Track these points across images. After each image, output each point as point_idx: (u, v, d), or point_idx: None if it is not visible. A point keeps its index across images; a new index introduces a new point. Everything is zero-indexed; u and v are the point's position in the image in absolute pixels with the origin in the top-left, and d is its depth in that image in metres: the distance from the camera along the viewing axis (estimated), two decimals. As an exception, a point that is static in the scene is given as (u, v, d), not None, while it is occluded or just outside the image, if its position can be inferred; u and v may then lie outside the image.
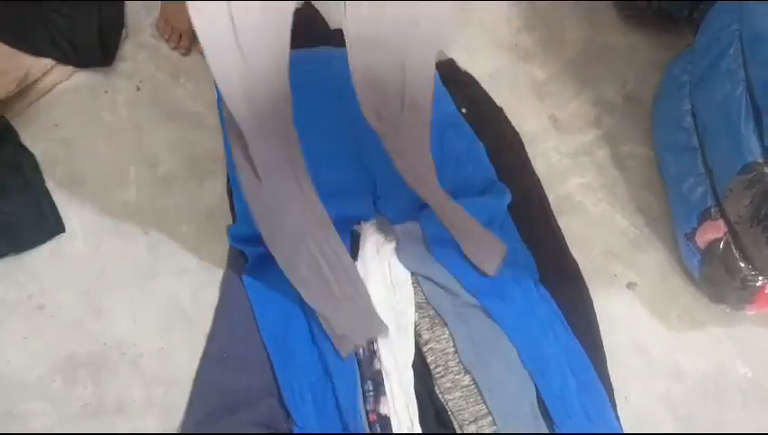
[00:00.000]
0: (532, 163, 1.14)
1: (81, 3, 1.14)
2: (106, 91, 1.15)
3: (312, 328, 0.95)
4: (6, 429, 0.90)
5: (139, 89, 1.16)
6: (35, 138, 1.09)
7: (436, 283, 0.99)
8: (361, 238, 1.03)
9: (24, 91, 1.11)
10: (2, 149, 1.06)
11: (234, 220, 1.05)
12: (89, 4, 1.15)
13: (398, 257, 1.01)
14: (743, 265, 0.93)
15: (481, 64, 1.24)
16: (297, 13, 1.24)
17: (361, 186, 1.08)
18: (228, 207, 1.07)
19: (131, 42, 1.20)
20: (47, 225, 1.03)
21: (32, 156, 1.08)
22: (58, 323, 0.98)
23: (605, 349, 0.99)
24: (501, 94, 1.20)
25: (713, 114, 0.94)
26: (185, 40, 1.19)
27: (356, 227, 1.04)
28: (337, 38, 1.24)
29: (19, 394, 0.93)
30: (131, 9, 1.22)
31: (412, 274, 1.01)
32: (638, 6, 1.23)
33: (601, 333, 1.00)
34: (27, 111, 1.11)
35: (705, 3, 1.13)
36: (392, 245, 1.02)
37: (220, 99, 1.10)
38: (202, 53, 1.18)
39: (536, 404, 0.91)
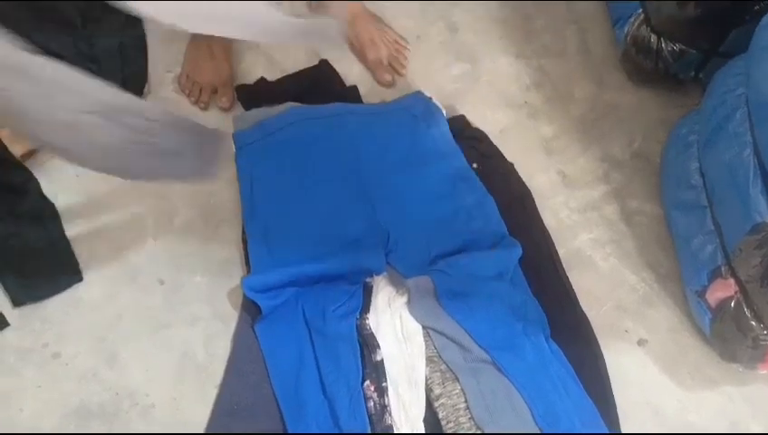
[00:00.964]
0: (542, 218, 1.16)
1: (105, 59, 1.18)
2: (127, 143, 1.18)
3: (324, 381, 0.95)
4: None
5: (158, 141, 1.19)
6: (56, 188, 1.12)
7: (447, 337, 1.00)
8: (374, 291, 1.04)
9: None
10: (23, 199, 1.08)
11: (248, 271, 1.06)
12: (113, 59, 1.19)
13: (410, 311, 1.01)
14: (754, 323, 0.93)
15: (491, 121, 1.27)
16: (315, 70, 1.30)
17: (374, 239, 1.10)
18: (243, 258, 1.08)
19: (153, 96, 1.24)
20: (65, 274, 1.04)
21: (52, 206, 1.10)
22: (72, 372, 0.98)
23: (617, 406, 0.98)
24: (510, 150, 1.22)
25: (721, 175, 0.96)
26: (204, 95, 1.23)
27: (368, 280, 1.05)
28: (353, 95, 1.28)
29: (31, 444, 0.93)
30: (153, 64, 1.26)
31: (423, 327, 1.01)
32: (644, 67, 1.26)
33: (613, 389, 0.99)
34: (49, 163, 1.14)
35: (711, 65, 1.16)
36: (404, 298, 1.03)
37: (237, 151, 1.13)
38: (220, 108, 1.23)
39: None
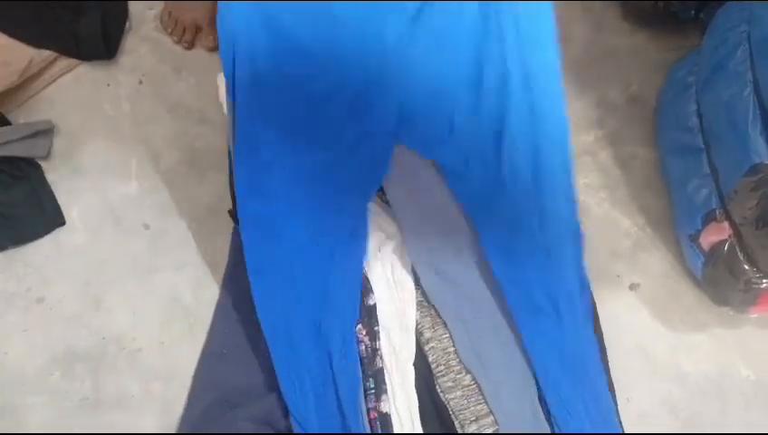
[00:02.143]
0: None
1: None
2: (108, 85, 1.14)
3: (320, 323, 0.94)
4: (4, 421, 0.90)
5: (141, 82, 1.16)
6: (36, 130, 1.09)
7: (437, 273, 0.98)
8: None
9: (26, 83, 1.10)
10: (2, 141, 1.05)
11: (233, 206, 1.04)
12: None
13: (407, 251, 0.99)
14: (747, 267, 0.92)
15: (485, 63, 1.23)
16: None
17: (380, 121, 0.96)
18: (230, 201, 1.06)
19: (134, 35, 1.19)
20: (47, 217, 1.02)
21: (32, 148, 1.07)
22: (57, 317, 0.97)
23: (607, 350, 0.98)
24: (505, 93, 1.19)
25: (719, 115, 0.94)
26: (188, 34, 1.19)
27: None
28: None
29: (17, 387, 0.93)
30: (134, 2, 1.21)
31: (414, 273, 1.00)
32: (643, 7, 1.22)
33: (604, 334, 0.99)
34: (28, 103, 1.11)
35: (713, 3, 1.12)
36: (393, 243, 1.02)
37: (228, 93, 1.08)
38: (205, 48, 1.19)
39: (537, 403, 0.91)
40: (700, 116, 1.01)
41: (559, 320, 0.93)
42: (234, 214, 0.99)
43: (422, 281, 0.99)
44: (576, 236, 0.95)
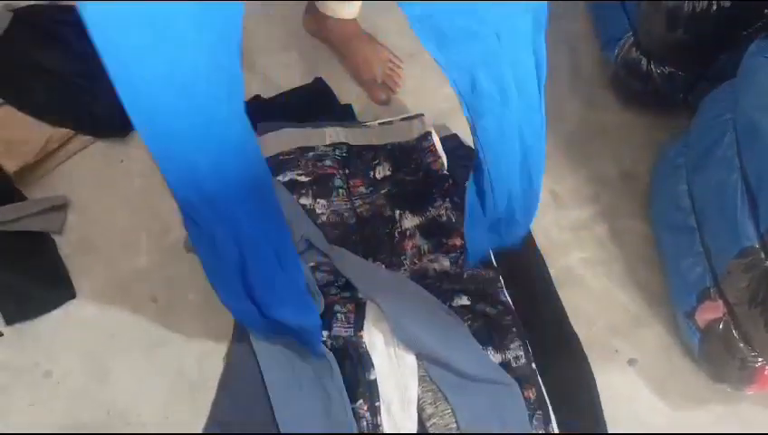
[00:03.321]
0: (534, 236, 1.17)
1: (101, 75, 1.19)
2: (122, 161, 1.18)
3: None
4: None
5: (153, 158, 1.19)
6: (50, 204, 1.12)
7: (434, 359, 1.00)
8: (366, 308, 1.04)
9: (43, 159, 1.14)
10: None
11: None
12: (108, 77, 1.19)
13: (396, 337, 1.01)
14: (742, 345, 0.94)
15: (484, 140, 1.28)
16: (309, 87, 1.31)
17: None
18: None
19: (148, 112, 1.24)
20: (59, 291, 1.04)
21: (45, 223, 1.10)
22: (64, 391, 0.98)
23: (606, 425, 0.99)
24: (503, 169, 1.23)
25: (709, 198, 0.98)
26: (199, 112, 1.23)
27: (361, 297, 1.05)
28: (347, 113, 1.29)
29: (22, 463, 0.93)
30: (148, 81, 1.26)
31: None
32: (634, 88, 1.28)
33: (603, 409, 1.00)
34: (44, 179, 1.14)
35: (700, 88, 1.18)
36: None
37: None
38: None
39: None
40: (691, 197, 1.04)
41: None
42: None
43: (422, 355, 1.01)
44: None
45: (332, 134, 1.20)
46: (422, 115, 1.24)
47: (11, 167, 1.08)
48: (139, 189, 1.16)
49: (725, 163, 0.94)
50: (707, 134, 1.00)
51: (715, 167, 0.96)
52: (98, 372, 1.00)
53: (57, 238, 1.10)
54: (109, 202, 1.14)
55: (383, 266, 1.09)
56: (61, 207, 1.11)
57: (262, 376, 0.98)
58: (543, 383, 1.00)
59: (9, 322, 1.02)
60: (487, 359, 1.00)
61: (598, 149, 1.30)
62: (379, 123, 1.25)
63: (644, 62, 1.22)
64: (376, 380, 0.98)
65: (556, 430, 0.96)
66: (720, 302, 0.96)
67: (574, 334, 1.07)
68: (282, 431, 0.94)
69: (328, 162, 1.16)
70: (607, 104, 1.36)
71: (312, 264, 1.06)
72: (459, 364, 0.98)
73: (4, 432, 0.94)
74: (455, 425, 0.95)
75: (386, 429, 0.94)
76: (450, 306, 1.05)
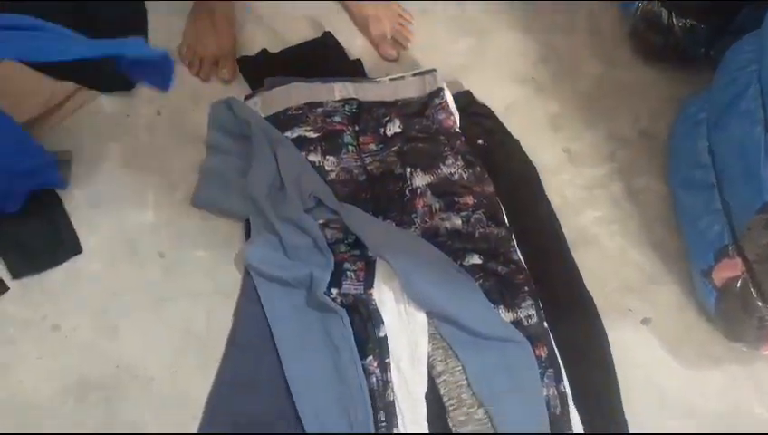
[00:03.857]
0: (548, 196, 1.15)
1: (104, 30, 1.16)
2: (127, 115, 1.16)
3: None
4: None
5: (159, 113, 1.18)
6: (56, 160, 1.11)
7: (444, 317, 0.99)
8: (376, 266, 1.03)
9: (48, 114, 1.12)
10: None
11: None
12: (112, 31, 1.17)
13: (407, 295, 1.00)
14: (760, 304, 0.92)
15: (497, 97, 1.25)
16: (318, 42, 1.28)
17: None
18: (244, 231, 1.07)
19: (153, 67, 1.22)
20: (65, 246, 1.03)
21: (52, 177, 1.09)
22: (71, 345, 0.98)
23: (619, 384, 0.98)
24: (516, 126, 1.21)
25: (731, 153, 0.95)
26: (206, 66, 1.21)
27: (371, 254, 1.03)
28: (357, 69, 1.26)
29: (30, 414, 0.93)
30: (154, 36, 1.24)
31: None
32: (653, 43, 1.24)
33: (616, 368, 0.99)
34: (49, 134, 1.13)
35: (722, 41, 1.14)
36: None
37: None
38: (221, 80, 1.21)
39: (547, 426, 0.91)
40: (712, 153, 1.02)
41: None
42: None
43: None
44: None
45: (342, 90, 1.17)
46: (434, 70, 1.21)
47: (20, 117, 1.06)
48: (145, 144, 1.15)
49: (749, 116, 0.91)
50: (730, 87, 0.97)
51: (737, 120, 0.93)
52: (106, 326, 1.00)
53: (62, 193, 1.08)
54: (115, 157, 1.13)
55: (393, 224, 1.07)
56: (66, 161, 1.09)
57: (271, 331, 0.98)
58: (555, 342, 0.99)
59: (15, 276, 1.01)
60: (497, 317, 0.99)
61: (615, 106, 1.27)
62: (390, 79, 1.22)
63: (665, 14, 1.18)
64: (386, 336, 0.97)
65: (567, 389, 0.95)
66: (738, 259, 0.94)
67: (587, 293, 1.05)
68: (290, 386, 0.93)
69: (337, 118, 1.14)
70: (625, 60, 1.32)
71: (321, 221, 1.05)
72: (469, 322, 0.97)
73: (12, 385, 0.94)
74: (465, 382, 0.95)
75: (395, 385, 0.94)
76: (461, 265, 1.03)
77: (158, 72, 1.02)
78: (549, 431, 0.91)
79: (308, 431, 0.90)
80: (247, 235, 1.06)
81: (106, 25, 1.16)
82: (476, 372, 0.95)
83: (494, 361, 0.96)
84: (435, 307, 0.98)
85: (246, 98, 1.17)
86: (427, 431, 0.91)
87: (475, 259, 1.04)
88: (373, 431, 0.90)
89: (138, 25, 1.23)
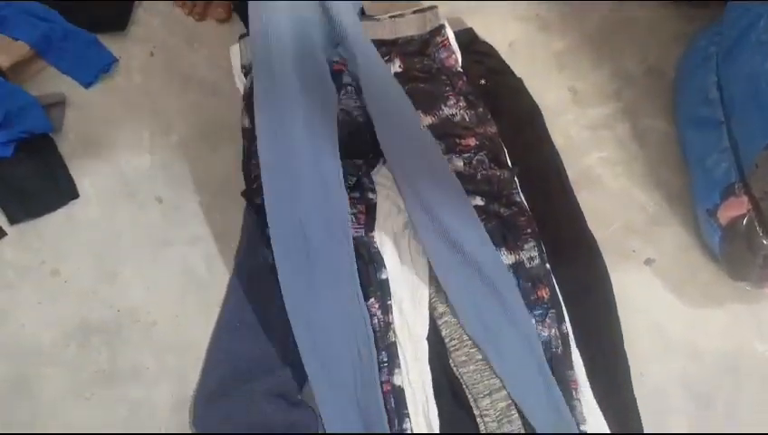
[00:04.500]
0: (552, 136, 1.12)
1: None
2: (120, 57, 1.13)
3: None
4: (20, 391, 0.91)
5: (152, 54, 1.15)
6: (48, 103, 1.08)
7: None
8: (377, 208, 1.01)
9: (37, 55, 1.09)
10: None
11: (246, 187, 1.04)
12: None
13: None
14: (765, 242, 0.91)
15: (500, 34, 1.21)
16: None
17: None
18: (242, 175, 1.06)
19: (145, 7, 1.18)
20: (61, 190, 1.02)
21: (45, 122, 1.07)
22: (72, 289, 0.98)
23: (622, 325, 0.98)
24: (520, 64, 1.17)
25: (741, 87, 0.92)
26: (199, 5, 1.17)
27: (371, 197, 1.02)
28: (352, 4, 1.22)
29: (32, 358, 0.93)
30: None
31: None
32: (662, -23, 1.20)
33: (619, 309, 0.99)
34: (39, 76, 1.10)
35: (735, -27, 1.10)
36: (401, 218, 1.01)
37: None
38: (216, 19, 1.18)
39: (547, 369, 0.91)
40: (720, 88, 0.99)
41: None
42: (247, 195, 0.99)
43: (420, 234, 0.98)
44: None
45: (340, 29, 1.14)
46: (435, 7, 1.17)
47: (4, 62, 1.04)
48: (139, 86, 1.12)
49: (760, 48, 0.88)
50: (741, 18, 0.93)
51: (748, 53, 0.90)
52: (105, 271, 0.99)
53: (56, 137, 1.06)
54: (108, 100, 1.10)
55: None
56: (59, 104, 1.07)
57: (275, 275, 0.97)
58: (558, 283, 0.98)
59: (12, 221, 1.00)
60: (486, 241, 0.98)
61: (622, 43, 1.23)
62: (390, 16, 1.18)
63: (676, -55, 1.13)
64: (387, 279, 0.96)
65: (569, 329, 0.95)
66: (745, 198, 0.92)
67: (590, 234, 1.04)
68: (294, 331, 0.93)
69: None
70: (635, -4, 1.27)
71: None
72: (457, 234, 0.95)
73: (14, 330, 0.95)
74: (466, 321, 0.94)
75: (397, 326, 0.94)
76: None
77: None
78: (543, 356, 0.91)
79: (308, 369, 0.89)
80: (246, 178, 1.04)
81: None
82: (466, 308, 0.94)
83: (481, 290, 0.94)
84: (422, 206, 0.97)
85: (242, 37, 1.13)
86: (428, 371, 0.91)
87: (478, 201, 1.03)
88: (377, 367, 0.90)
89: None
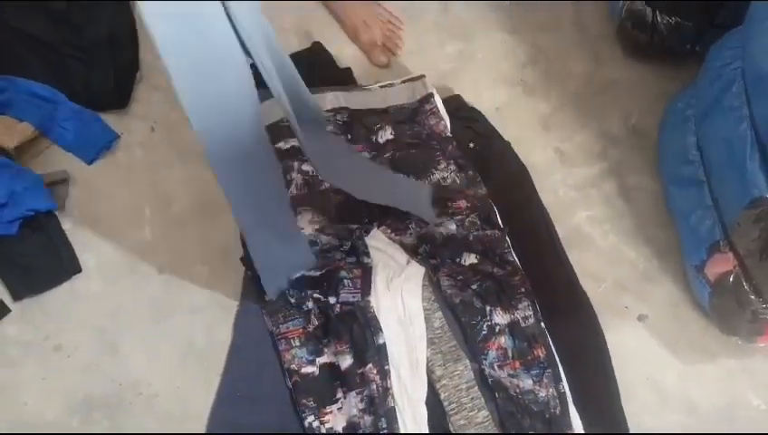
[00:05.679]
0: (540, 196, 1.15)
1: (94, 48, 1.17)
2: (121, 133, 1.17)
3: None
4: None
5: (153, 130, 1.18)
6: (51, 180, 1.11)
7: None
8: (373, 272, 1.04)
9: (41, 135, 1.13)
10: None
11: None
12: (102, 49, 1.18)
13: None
14: (753, 297, 0.93)
15: (487, 99, 1.26)
16: (307, 52, 1.29)
17: None
18: (241, 245, 1.08)
19: (145, 84, 1.22)
20: (64, 266, 1.04)
21: (48, 198, 1.10)
22: (74, 364, 0.99)
23: (617, 382, 0.99)
24: (507, 128, 1.22)
25: (718, 149, 0.96)
26: (197, 81, 1.21)
27: (367, 261, 1.04)
28: (347, 77, 1.27)
29: (36, 436, 0.94)
30: (145, 52, 1.25)
31: (424, 308, 1.01)
32: (640, 41, 1.25)
33: (614, 366, 1.00)
34: (44, 154, 1.14)
35: (707, 37, 1.15)
36: (401, 277, 1.03)
37: None
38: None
39: None
40: (700, 149, 1.02)
41: None
42: (245, 261, 1.01)
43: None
44: None
45: (333, 99, 1.18)
46: (424, 76, 1.22)
47: (10, 143, 1.07)
48: (140, 161, 1.15)
49: (734, 113, 0.92)
50: (715, 83, 0.97)
51: (723, 117, 0.94)
52: (107, 344, 1.01)
53: (61, 214, 1.09)
54: (110, 176, 1.14)
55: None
56: (62, 181, 1.10)
57: (272, 343, 0.99)
58: (553, 342, 1.00)
59: (16, 298, 1.02)
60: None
61: (605, 104, 1.28)
62: (380, 86, 1.23)
63: (649, 12, 1.19)
64: (385, 343, 0.98)
65: (567, 389, 0.96)
66: (730, 254, 0.95)
67: (583, 292, 1.06)
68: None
69: (330, 128, 1.15)
70: (613, 59, 1.33)
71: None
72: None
73: (17, 408, 0.95)
74: (464, 386, 0.96)
75: (396, 391, 0.95)
76: (459, 264, 1.04)
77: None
78: None
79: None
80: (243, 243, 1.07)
81: (94, 44, 1.17)
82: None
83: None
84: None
85: (238, 111, 1.17)
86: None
87: (472, 259, 1.05)
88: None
89: (128, 42, 1.23)
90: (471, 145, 1.19)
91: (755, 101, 0.89)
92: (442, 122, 1.18)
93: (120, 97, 1.18)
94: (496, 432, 0.93)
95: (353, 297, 1.01)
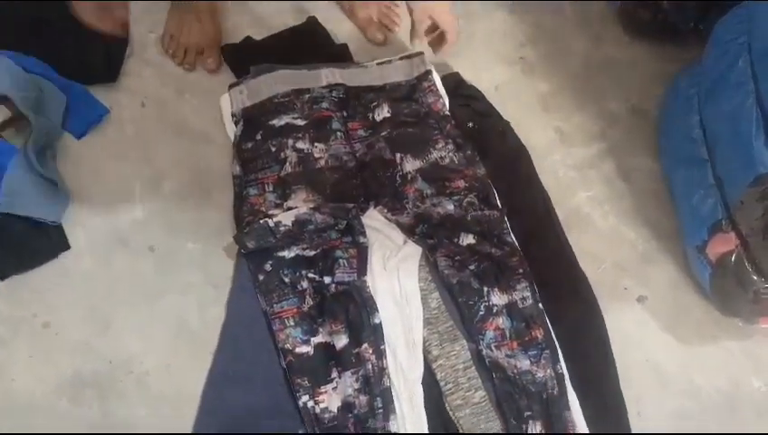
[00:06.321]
0: (540, 176, 1.14)
1: (86, 21, 1.15)
2: (111, 108, 1.15)
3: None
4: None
5: (144, 105, 1.16)
6: (40, 155, 1.09)
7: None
8: (369, 252, 1.02)
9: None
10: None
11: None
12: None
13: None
14: (755, 277, 0.92)
15: (486, 78, 1.24)
16: (302, 28, 1.26)
17: None
18: (234, 223, 1.06)
19: (136, 58, 1.20)
20: (52, 242, 1.02)
21: (36, 173, 1.07)
22: (63, 342, 0.97)
23: (616, 364, 0.98)
24: (506, 107, 1.20)
25: (722, 126, 0.94)
26: (190, 56, 1.19)
27: (363, 241, 1.02)
28: (343, 54, 1.25)
29: (25, 414, 0.92)
30: (136, 26, 1.22)
31: (421, 289, 1.00)
32: (642, 19, 1.23)
33: (613, 348, 0.99)
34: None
35: (712, 14, 1.13)
36: (398, 257, 1.01)
37: None
38: (206, 70, 1.19)
39: None
40: (703, 127, 1.01)
41: None
42: (239, 239, 0.99)
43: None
44: None
45: (328, 75, 1.16)
46: (422, 53, 1.20)
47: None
48: (130, 137, 1.13)
49: (740, 88, 0.90)
50: (720, 60, 0.96)
51: (728, 93, 0.92)
52: (98, 322, 0.98)
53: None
54: (100, 151, 1.11)
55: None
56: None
57: (266, 323, 0.97)
58: (552, 324, 0.99)
59: (3, 276, 1.00)
60: None
61: (605, 84, 1.26)
62: (377, 63, 1.20)
63: (652, -10, 1.17)
64: (381, 323, 0.96)
65: (564, 369, 0.95)
66: (732, 234, 0.94)
67: (582, 273, 1.05)
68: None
69: (325, 105, 1.13)
70: (615, 38, 1.31)
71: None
72: None
73: (5, 386, 0.93)
74: (461, 365, 0.94)
75: (392, 371, 0.93)
76: (457, 244, 1.03)
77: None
78: None
79: None
80: (237, 222, 1.05)
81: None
82: None
83: None
84: None
85: (231, 86, 1.15)
86: (424, 416, 0.90)
87: (470, 239, 1.04)
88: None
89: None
90: (470, 124, 1.17)
91: (761, 77, 0.87)
92: (440, 100, 1.16)
93: (110, 71, 1.15)
94: (493, 412, 0.92)
95: (349, 277, 1.00)
